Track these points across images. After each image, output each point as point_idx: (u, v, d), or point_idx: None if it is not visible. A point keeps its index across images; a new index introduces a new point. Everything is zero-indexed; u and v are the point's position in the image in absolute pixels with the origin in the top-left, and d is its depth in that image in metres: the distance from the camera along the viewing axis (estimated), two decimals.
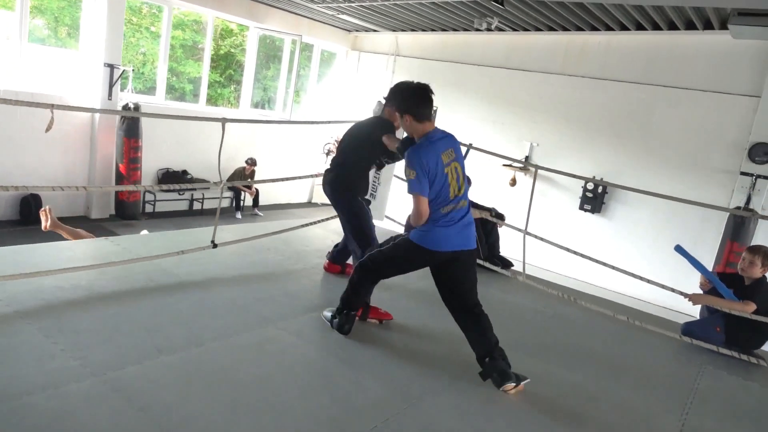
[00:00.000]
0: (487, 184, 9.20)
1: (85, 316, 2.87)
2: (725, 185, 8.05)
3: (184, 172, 9.34)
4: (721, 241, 7.77)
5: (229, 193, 10.10)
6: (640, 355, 3.73)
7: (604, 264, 4.46)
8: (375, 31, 11.07)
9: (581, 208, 9.10)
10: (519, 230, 4.41)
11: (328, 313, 3.34)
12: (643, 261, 8.17)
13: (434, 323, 3.60)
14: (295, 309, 3.49)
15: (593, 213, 9.04)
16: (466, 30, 9.93)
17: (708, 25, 7.75)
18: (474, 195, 3.90)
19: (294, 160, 11.07)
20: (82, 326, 2.76)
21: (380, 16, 9.70)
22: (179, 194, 9.27)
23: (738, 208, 7.49)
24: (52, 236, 4.72)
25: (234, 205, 9.93)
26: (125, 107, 7.85)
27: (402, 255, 3.09)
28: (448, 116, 10.42)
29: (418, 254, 3.00)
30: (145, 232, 7.37)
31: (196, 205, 9.65)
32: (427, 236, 2.95)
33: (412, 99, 2.95)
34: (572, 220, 9.13)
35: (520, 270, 4.66)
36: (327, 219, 5.27)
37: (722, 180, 8.08)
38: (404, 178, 2.94)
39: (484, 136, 9.98)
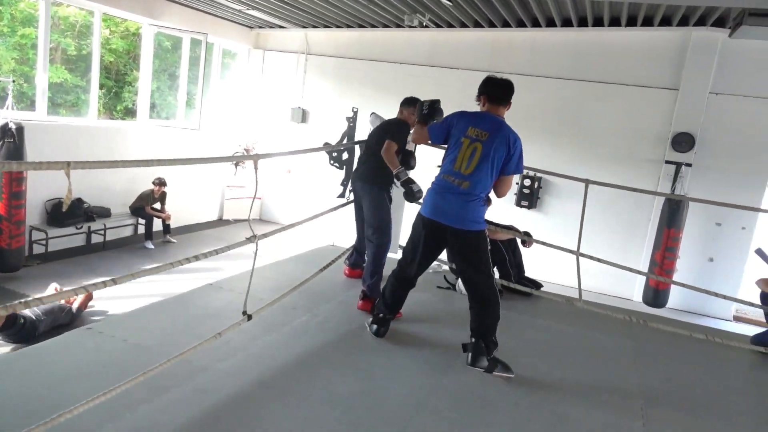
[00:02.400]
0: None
1: None
2: (652, 174, 8.52)
3: (80, 201, 7.75)
4: (657, 228, 8.19)
5: (131, 220, 8.64)
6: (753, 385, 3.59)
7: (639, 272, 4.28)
8: (282, 27, 10.11)
9: (518, 204, 9.12)
10: (570, 251, 4.04)
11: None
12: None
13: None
14: (408, 406, 2.77)
15: (529, 209, 9.11)
16: (386, 26, 9.41)
17: (630, 22, 8.07)
18: None
19: (203, 174, 9.81)
20: None
21: (293, 11, 8.81)
22: (76, 228, 7.68)
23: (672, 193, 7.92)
24: None
25: (145, 233, 8.48)
26: (5, 128, 6.23)
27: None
28: (368, 117, 9.90)
29: (416, 221, 3.28)
30: (55, 285, 5.95)
31: (96, 239, 8.09)
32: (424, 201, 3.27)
33: (485, 84, 3.38)
34: (510, 218, 9.09)
35: (562, 293, 4.34)
36: (336, 260, 4.51)
37: (650, 169, 8.54)
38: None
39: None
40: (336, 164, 10.43)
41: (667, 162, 8.34)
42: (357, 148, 7.59)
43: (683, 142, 8.21)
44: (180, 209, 9.15)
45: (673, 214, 7.96)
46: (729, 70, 7.98)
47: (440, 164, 3.27)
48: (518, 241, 4.79)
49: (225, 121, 10.39)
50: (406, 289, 3.45)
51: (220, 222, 10.45)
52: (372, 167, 4.03)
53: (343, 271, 4.53)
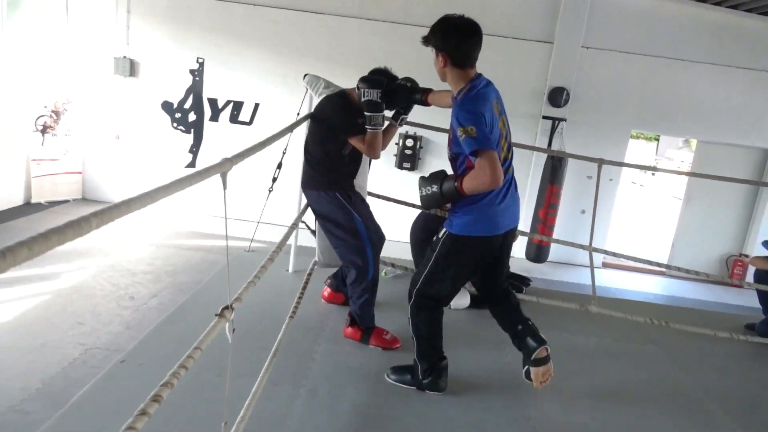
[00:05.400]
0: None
1: None
2: (530, 129, 8.41)
3: None
4: (540, 185, 8.16)
5: None
6: None
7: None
8: None
9: (399, 166, 8.46)
10: (582, 247, 3.44)
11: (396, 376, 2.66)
12: None
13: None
14: None
15: (411, 170, 8.51)
16: None
17: None
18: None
19: None
20: None
21: None
22: None
23: (554, 150, 7.88)
24: None
25: None
26: None
27: (454, 262, 2.48)
28: (219, 71, 8.36)
29: (474, 248, 2.45)
30: None
31: None
32: (479, 220, 2.41)
33: (454, 35, 2.44)
34: (393, 181, 8.41)
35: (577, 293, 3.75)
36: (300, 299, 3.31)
37: (528, 125, 8.41)
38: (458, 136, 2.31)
39: (272, 94, 8.33)
40: (181, 127, 8.66)
41: (544, 117, 8.28)
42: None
43: (558, 96, 8.17)
44: None
45: (555, 170, 7.96)
46: (599, 25, 8.03)
47: None
48: None
49: (22, 75, 7.91)
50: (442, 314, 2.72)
51: (30, 207, 8.09)
52: (310, 163, 3.17)
53: (321, 294, 3.42)
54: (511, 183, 2.53)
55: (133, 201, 1.15)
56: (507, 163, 2.49)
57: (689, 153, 20.00)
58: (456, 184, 2.33)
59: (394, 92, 2.97)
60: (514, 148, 2.80)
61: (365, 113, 2.87)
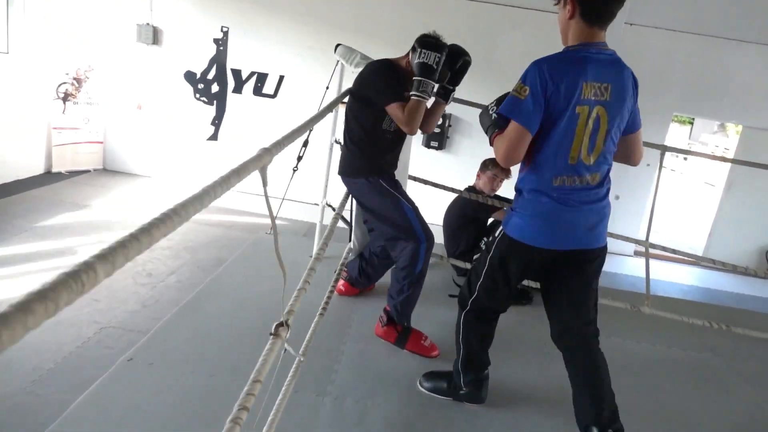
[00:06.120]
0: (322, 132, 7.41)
1: None
2: None
3: None
4: None
5: None
6: None
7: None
8: None
9: (427, 145, 8.15)
10: (636, 242, 3.15)
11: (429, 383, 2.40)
12: None
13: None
14: None
15: (438, 149, 8.20)
16: None
17: None
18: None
19: (15, 113, 7.27)
20: None
21: None
22: None
23: None
24: None
25: None
26: None
27: (509, 270, 2.06)
28: (246, 43, 8.06)
29: (522, 258, 2.03)
30: None
31: None
32: (527, 224, 1.98)
33: None
34: (420, 159, 8.11)
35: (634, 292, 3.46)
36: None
37: None
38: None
39: (297, 66, 8.04)
40: (204, 98, 8.43)
41: None
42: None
43: None
44: None
45: None
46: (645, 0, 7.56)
47: (528, 166, 2.01)
48: None
49: (43, 40, 7.72)
50: (495, 326, 2.34)
51: (50, 176, 7.99)
52: (348, 146, 2.84)
53: (337, 288, 3.19)
54: (594, 197, 1.97)
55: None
56: (579, 169, 1.93)
57: (724, 138, 19.27)
58: (495, 133, 1.99)
59: (455, 64, 2.62)
60: None
61: (414, 78, 2.49)
